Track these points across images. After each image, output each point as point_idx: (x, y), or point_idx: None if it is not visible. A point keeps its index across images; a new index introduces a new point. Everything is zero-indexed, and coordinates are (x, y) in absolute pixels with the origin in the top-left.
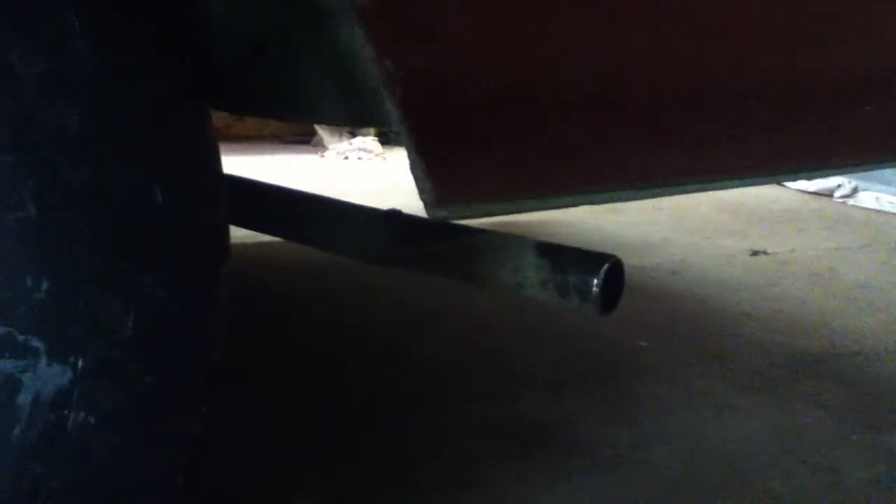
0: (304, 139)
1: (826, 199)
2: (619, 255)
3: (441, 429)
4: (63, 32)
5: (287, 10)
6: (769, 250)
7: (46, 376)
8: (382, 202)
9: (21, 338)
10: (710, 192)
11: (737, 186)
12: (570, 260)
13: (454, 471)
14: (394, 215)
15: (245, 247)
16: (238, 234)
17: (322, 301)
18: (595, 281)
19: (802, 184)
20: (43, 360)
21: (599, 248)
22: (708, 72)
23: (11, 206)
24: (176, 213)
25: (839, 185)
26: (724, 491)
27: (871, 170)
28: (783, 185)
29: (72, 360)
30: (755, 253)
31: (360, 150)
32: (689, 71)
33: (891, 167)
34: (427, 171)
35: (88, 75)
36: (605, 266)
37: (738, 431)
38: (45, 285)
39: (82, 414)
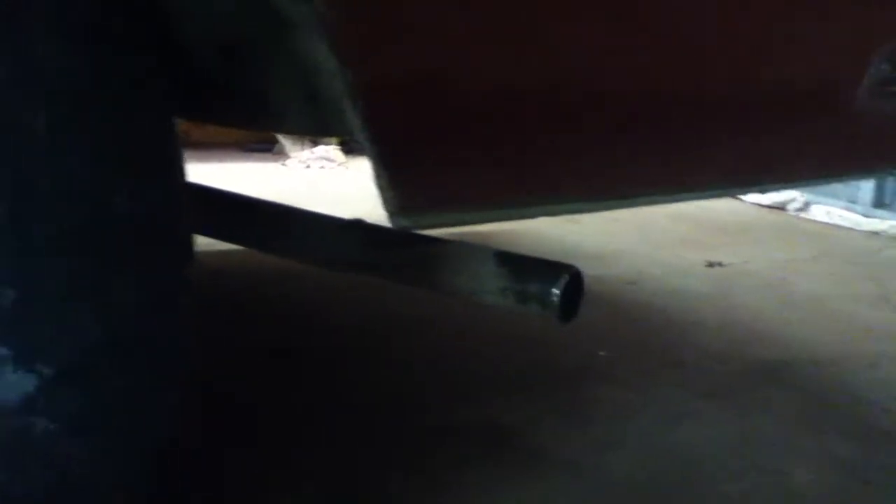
0: (265, 147)
1: (780, 212)
2: (579, 265)
3: (416, 431)
4: (29, 34)
5: (254, 19)
6: (725, 262)
7: (11, 383)
8: (345, 211)
9: None
10: (667, 205)
11: (695, 199)
12: (531, 269)
13: (428, 472)
14: (356, 224)
15: (205, 255)
16: (199, 241)
17: (293, 306)
18: (555, 290)
19: (757, 197)
20: (9, 367)
21: (559, 259)
22: (670, 86)
23: None
24: (141, 220)
25: (792, 199)
26: (679, 495)
27: (823, 184)
28: (739, 199)
29: (37, 367)
30: (711, 264)
31: (322, 158)
32: (651, 85)
33: (843, 181)
34: (390, 181)
35: (55, 79)
36: (566, 275)
37: (694, 437)
38: (10, 293)
39: (47, 420)
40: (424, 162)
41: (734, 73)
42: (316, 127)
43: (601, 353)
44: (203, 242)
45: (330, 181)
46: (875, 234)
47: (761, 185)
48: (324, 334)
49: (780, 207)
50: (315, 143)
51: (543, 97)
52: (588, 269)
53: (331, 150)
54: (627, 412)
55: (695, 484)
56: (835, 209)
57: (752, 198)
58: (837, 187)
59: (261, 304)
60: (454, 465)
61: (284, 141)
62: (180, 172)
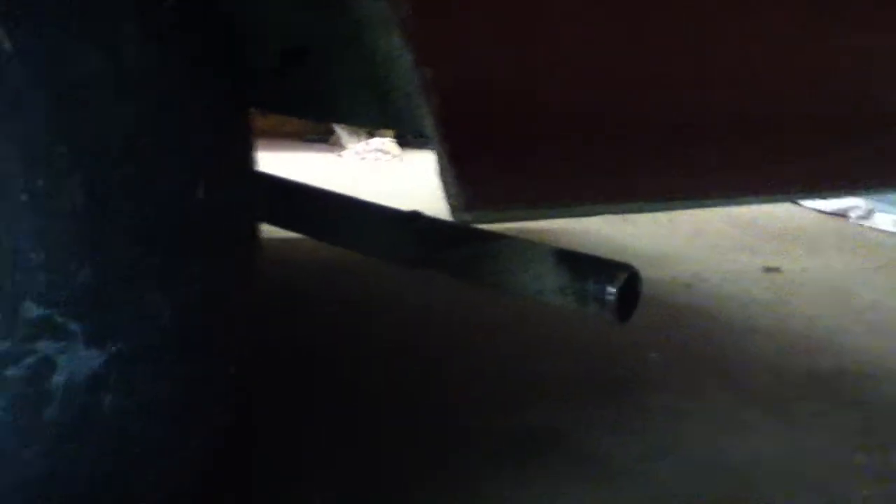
0: (322, 138)
1: (842, 219)
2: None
3: (455, 433)
4: (119, 34)
5: (328, 17)
6: (782, 268)
7: (82, 359)
8: (400, 203)
9: (60, 320)
10: (725, 208)
11: (751, 203)
12: (589, 268)
13: (464, 477)
14: (415, 217)
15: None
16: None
17: (335, 300)
18: (612, 289)
19: (819, 203)
20: (80, 344)
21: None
22: (728, 94)
23: (63, 193)
24: (215, 210)
25: (855, 207)
26: None
27: (889, 193)
28: (799, 204)
29: (107, 345)
30: (768, 270)
31: (377, 150)
32: (711, 94)
33: None
34: (456, 177)
35: (141, 74)
36: (624, 275)
37: (744, 448)
38: (87, 272)
39: (116, 397)
40: (490, 160)
41: (804, 91)
42: (382, 120)
43: (653, 356)
44: (265, 229)
45: (385, 173)
46: None
47: (818, 193)
48: (366, 331)
49: (842, 214)
50: (371, 135)
51: (611, 105)
52: (643, 271)
53: (386, 143)
54: (678, 420)
55: (744, 497)
56: None
57: (813, 203)
58: None
59: (302, 295)
60: (504, 469)
61: (341, 132)
62: (253, 165)
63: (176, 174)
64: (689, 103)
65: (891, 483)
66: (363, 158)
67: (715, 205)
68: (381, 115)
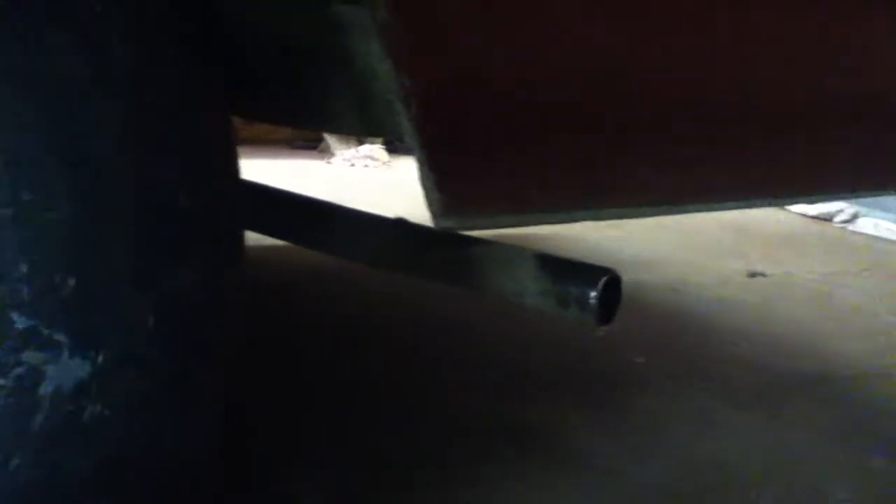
0: (311, 145)
1: (826, 223)
2: (620, 270)
3: (454, 431)
4: (105, 39)
5: (311, 22)
6: (767, 272)
7: (68, 368)
8: (388, 209)
9: (46, 331)
10: (713, 213)
11: (737, 208)
12: (570, 272)
13: (456, 470)
14: (399, 223)
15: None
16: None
17: (327, 300)
18: (593, 293)
19: (803, 207)
20: (65, 354)
21: (600, 263)
22: (716, 97)
23: (45, 205)
24: (198, 216)
25: (839, 211)
26: None
27: (873, 196)
28: (784, 209)
29: (92, 353)
30: (753, 274)
31: (366, 157)
32: (697, 95)
33: (891, 194)
34: (437, 183)
35: (127, 82)
36: (604, 279)
37: (727, 448)
38: (71, 282)
39: (99, 406)
40: (472, 166)
41: (780, 88)
42: (367, 128)
43: (638, 360)
44: (251, 237)
45: (374, 180)
46: None
47: (806, 195)
48: (353, 332)
49: (827, 219)
50: (360, 142)
51: (593, 108)
52: (629, 275)
53: (375, 149)
54: (662, 420)
55: (725, 496)
56: (883, 222)
57: (798, 208)
58: (888, 200)
59: (297, 299)
60: (488, 467)
61: (330, 139)
62: (236, 170)
63: (160, 183)
64: (669, 107)
65: (869, 483)
66: (352, 165)
67: (699, 210)
68: (364, 122)
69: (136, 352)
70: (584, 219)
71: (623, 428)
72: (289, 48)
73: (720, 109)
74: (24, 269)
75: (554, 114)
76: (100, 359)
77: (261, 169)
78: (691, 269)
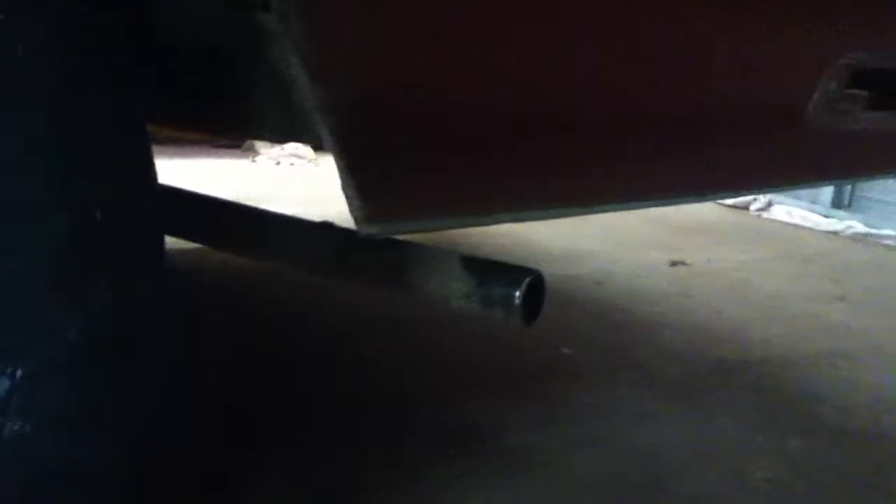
0: (234, 143)
1: (742, 211)
2: (547, 265)
3: (388, 430)
4: (13, 49)
5: (230, 29)
6: (688, 261)
7: None
8: (316, 210)
9: None
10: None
11: (662, 206)
12: (493, 273)
13: (403, 468)
14: (326, 226)
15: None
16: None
17: (269, 304)
18: (517, 293)
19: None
20: None
21: (527, 260)
22: (635, 102)
23: None
24: (117, 226)
25: (755, 199)
26: (643, 495)
27: (785, 191)
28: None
29: (9, 370)
30: (675, 264)
31: (292, 155)
32: (617, 101)
33: (803, 188)
34: (357, 190)
35: (42, 89)
36: (527, 280)
37: (656, 437)
38: None
39: (19, 422)
40: (391, 174)
41: (695, 90)
42: (291, 135)
43: (565, 351)
44: (176, 241)
45: (300, 179)
46: (834, 234)
47: (725, 192)
48: (290, 335)
49: (743, 207)
50: (285, 140)
51: (506, 111)
52: (555, 269)
53: (300, 147)
54: (592, 412)
55: (657, 484)
56: (796, 209)
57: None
58: (800, 189)
59: (231, 304)
60: (427, 464)
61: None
62: (154, 177)
63: (74, 191)
64: (584, 104)
65: (787, 462)
66: (278, 164)
67: (620, 208)
68: (288, 129)
69: (60, 362)
70: (504, 221)
71: (559, 422)
72: (210, 54)
73: (648, 115)
74: None
75: (470, 121)
76: (18, 374)
77: (181, 170)
78: (616, 261)
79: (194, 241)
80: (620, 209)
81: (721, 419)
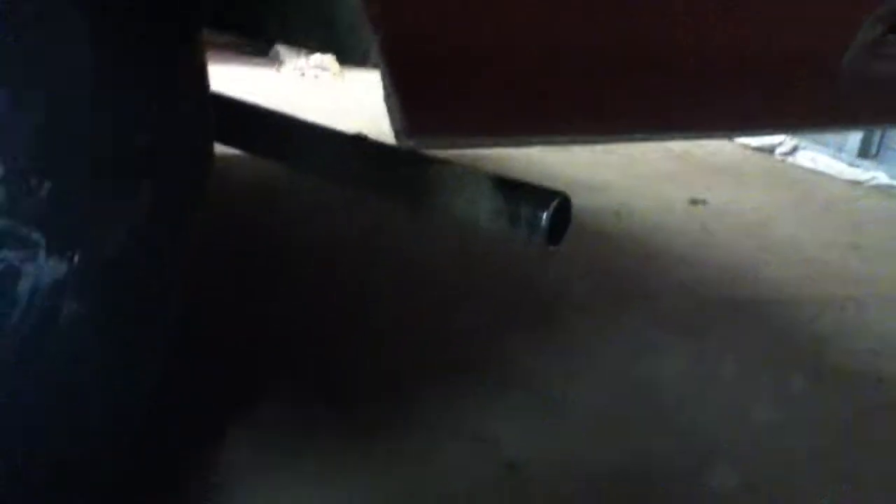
0: (261, 50)
1: (767, 154)
2: (574, 194)
3: (395, 359)
4: None
5: None
6: (708, 200)
7: (45, 268)
8: (341, 123)
9: (23, 231)
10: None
11: (689, 139)
12: (522, 193)
13: (404, 390)
14: (359, 139)
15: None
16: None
17: (273, 227)
18: (545, 214)
19: (746, 139)
20: (42, 253)
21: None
22: (661, 42)
23: (26, 109)
24: (169, 130)
25: (780, 143)
26: (639, 426)
27: (817, 133)
28: (729, 139)
29: (68, 254)
30: (695, 202)
31: (317, 67)
32: (645, 35)
33: (836, 132)
34: (401, 102)
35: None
36: (555, 201)
37: (659, 370)
38: (47, 186)
39: (74, 305)
40: (436, 88)
41: (725, 33)
42: (329, 45)
43: (578, 281)
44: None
45: (325, 91)
46: (857, 183)
47: (753, 131)
48: (306, 257)
49: (768, 150)
50: (311, 51)
51: (546, 41)
52: (575, 200)
53: (326, 59)
54: (599, 343)
55: (655, 416)
56: (820, 156)
57: (741, 139)
58: (826, 135)
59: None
60: (426, 386)
61: (280, 47)
62: (206, 87)
63: (129, 96)
64: (618, 37)
65: (789, 404)
66: (303, 75)
67: (646, 139)
68: (326, 39)
69: (109, 257)
70: (539, 144)
71: (562, 350)
72: None
73: (678, 54)
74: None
75: (514, 48)
76: (76, 259)
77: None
78: (635, 195)
79: (230, 145)
80: (650, 140)
81: (726, 355)
